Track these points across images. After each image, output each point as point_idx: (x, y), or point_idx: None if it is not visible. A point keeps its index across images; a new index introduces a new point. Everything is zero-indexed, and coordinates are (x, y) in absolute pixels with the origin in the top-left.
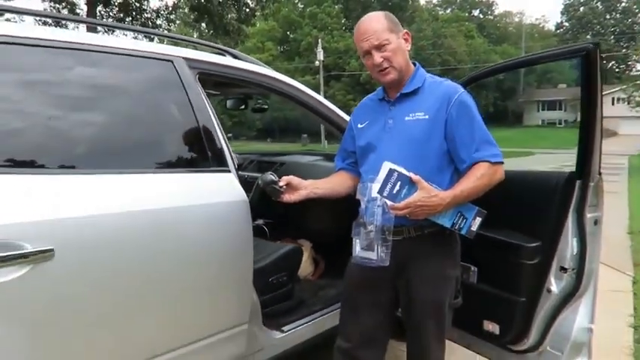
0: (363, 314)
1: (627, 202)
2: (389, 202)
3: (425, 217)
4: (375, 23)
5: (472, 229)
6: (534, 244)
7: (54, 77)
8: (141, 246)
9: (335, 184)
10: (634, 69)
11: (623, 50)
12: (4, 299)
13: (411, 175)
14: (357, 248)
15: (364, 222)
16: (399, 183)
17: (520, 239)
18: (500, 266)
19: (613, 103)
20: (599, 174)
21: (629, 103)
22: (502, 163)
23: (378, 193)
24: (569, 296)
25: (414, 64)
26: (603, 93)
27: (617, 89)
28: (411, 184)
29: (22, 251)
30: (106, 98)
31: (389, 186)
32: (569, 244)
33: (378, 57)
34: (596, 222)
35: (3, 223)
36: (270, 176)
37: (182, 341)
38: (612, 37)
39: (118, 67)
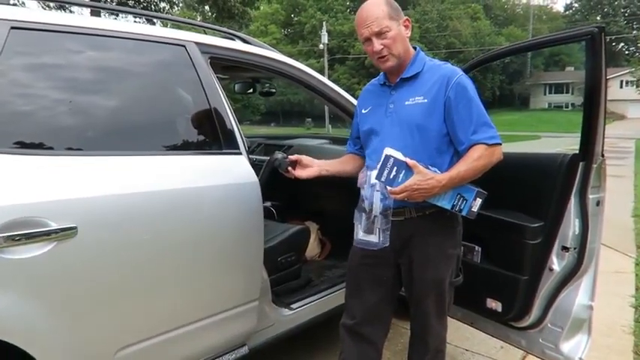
0: (367, 292)
1: (633, 186)
2: (387, 187)
3: (423, 200)
4: (376, 10)
5: (473, 209)
6: (537, 224)
7: (76, 63)
8: (159, 225)
9: (345, 164)
10: None
11: (634, 32)
12: (30, 275)
13: (407, 160)
14: (359, 232)
15: (365, 207)
16: (395, 168)
17: (523, 220)
18: (503, 246)
19: (621, 86)
20: (602, 156)
21: (637, 87)
22: (500, 144)
23: (376, 178)
24: (571, 275)
25: (415, 48)
26: (612, 76)
27: (625, 72)
28: (408, 169)
29: (47, 228)
30: (124, 83)
31: (386, 171)
32: (571, 224)
33: (377, 44)
34: (598, 203)
35: (29, 202)
36: (279, 154)
37: (198, 315)
38: (623, 18)
39: (134, 52)
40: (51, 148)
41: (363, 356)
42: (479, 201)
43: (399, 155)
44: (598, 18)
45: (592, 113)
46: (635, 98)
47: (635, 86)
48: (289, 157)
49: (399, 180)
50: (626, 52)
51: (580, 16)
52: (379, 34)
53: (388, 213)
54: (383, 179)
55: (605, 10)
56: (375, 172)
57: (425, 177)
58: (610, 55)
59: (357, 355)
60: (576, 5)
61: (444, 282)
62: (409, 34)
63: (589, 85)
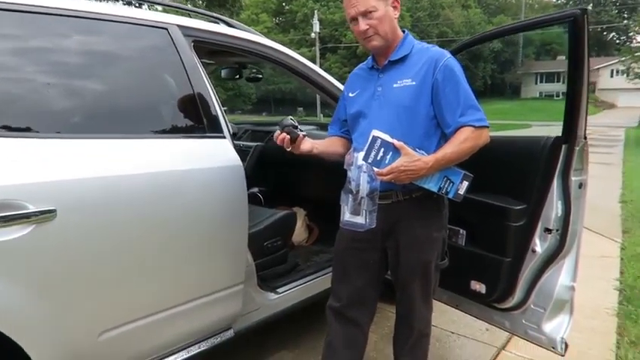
0: (353, 275)
1: (621, 174)
2: (374, 169)
3: (410, 182)
4: None
5: (459, 192)
6: (520, 207)
7: (56, 46)
8: (140, 208)
9: (330, 145)
10: (635, 41)
11: (625, 21)
12: (8, 258)
13: (394, 141)
14: (346, 214)
15: (351, 189)
16: (382, 150)
17: (507, 202)
18: (487, 229)
19: (612, 76)
20: (585, 138)
21: (627, 75)
22: (487, 127)
23: (363, 160)
24: (553, 256)
25: (403, 31)
26: (602, 65)
27: (616, 61)
28: (395, 151)
29: (25, 211)
30: (105, 66)
31: (373, 153)
32: (554, 207)
33: (363, 24)
34: (580, 185)
35: (6, 184)
36: (290, 120)
37: (181, 299)
38: (614, 7)
39: (115, 35)
40: (30, 131)
41: (350, 338)
42: (465, 184)
43: (387, 137)
44: (589, 7)
45: (575, 96)
46: (625, 87)
47: (625, 75)
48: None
49: (386, 161)
50: (617, 42)
51: (571, 5)
52: (365, 14)
53: (375, 195)
54: (370, 161)
55: None
56: (362, 154)
57: (412, 158)
58: (601, 45)
59: (344, 337)
60: None
61: (430, 265)
62: (397, 15)
63: (572, 69)
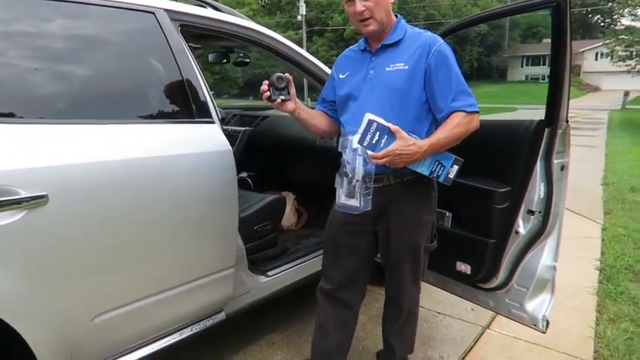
0: (344, 258)
1: (604, 156)
2: (369, 152)
3: (404, 166)
4: None
5: (450, 176)
6: (504, 190)
7: (43, 30)
8: (131, 193)
9: (315, 117)
10: (619, 23)
11: (609, 4)
12: (1, 243)
13: (390, 125)
14: (342, 197)
15: (346, 172)
16: (377, 133)
17: (491, 185)
18: (472, 211)
19: (596, 59)
20: (567, 122)
21: (611, 58)
22: (478, 112)
23: (358, 143)
24: (536, 237)
25: (396, 16)
26: (587, 48)
27: (600, 44)
28: (390, 134)
29: (16, 197)
30: (93, 50)
31: (369, 136)
32: (536, 189)
33: (360, 5)
34: (562, 168)
35: None
36: (278, 74)
37: (174, 282)
38: None
39: (102, 19)
40: (19, 117)
41: (340, 319)
42: (455, 167)
43: (382, 120)
44: None
45: (557, 81)
46: (609, 70)
47: (609, 58)
48: (286, 75)
49: (381, 145)
50: (602, 24)
51: None
52: None
53: (370, 178)
54: (365, 144)
55: None
56: (357, 137)
57: (407, 143)
58: (586, 27)
59: (335, 319)
60: None
61: (419, 247)
62: (393, 0)
63: (554, 54)
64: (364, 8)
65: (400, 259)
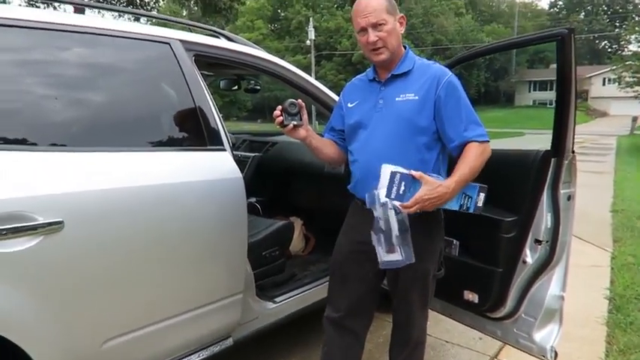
0: (351, 286)
1: (612, 182)
2: (397, 203)
3: (436, 208)
4: (375, 2)
5: (478, 205)
6: (511, 219)
7: (61, 60)
8: (143, 219)
9: (326, 145)
10: (626, 49)
11: (616, 30)
12: (17, 268)
13: (412, 172)
14: (382, 253)
15: (381, 227)
16: (403, 183)
17: (498, 214)
18: (480, 240)
19: (604, 84)
20: (573, 152)
21: (619, 84)
22: (488, 141)
23: (386, 197)
24: (543, 267)
25: (405, 47)
26: (594, 73)
27: (607, 70)
28: (415, 181)
29: (34, 223)
30: (109, 80)
31: (394, 188)
32: (543, 218)
33: (373, 35)
34: (569, 197)
35: (16, 196)
36: (291, 100)
37: (183, 308)
38: (606, 17)
39: (120, 50)
40: (37, 144)
41: (347, 348)
42: (482, 195)
43: (403, 169)
44: (581, 16)
45: (563, 111)
46: (617, 95)
47: (617, 84)
48: (299, 101)
49: (409, 194)
50: (609, 50)
51: (564, 14)
52: (375, 26)
53: (405, 228)
54: (393, 196)
55: (587, 8)
56: (383, 191)
57: (433, 186)
58: (593, 53)
59: (341, 347)
60: (560, 3)
61: (428, 275)
62: (403, 31)
63: (560, 84)
64: (377, 38)
65: (408, 286)
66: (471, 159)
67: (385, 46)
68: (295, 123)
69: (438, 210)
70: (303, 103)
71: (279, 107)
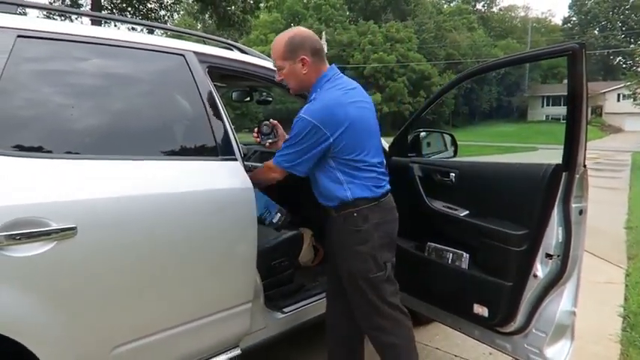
0: (338, 291)
1: (627, 199)
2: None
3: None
4: (276, 48)
5: (273, 221)
6: (522, 232)
7: (79, 70)
8: (155, 227)
9: None
10: None
11: (631, 46)
12: (30, 273)
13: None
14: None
15: None
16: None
17: (509, 227)
18: (490, 253)
19: (619, 100)
20: (584, 166)
21: (634, 100)
22: (280, 165)
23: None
24: (554, 281)
25: (325, 71)
26: (609, 89)
27: (622, 85)
28: None
29: (47, 228)
30: (124, 90)
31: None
32: (554, 232)
33: (277, 76)
34: (580, 212)
35: (30, 202)
36: (265, 122)
37: (192, 315)
38: (621, 32)
39: (135, 61)
40: (52, 152)
41: (347, 349)
42: (278, 215)
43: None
44: (596, 32)
45: (574, 125)
46: (632, 111)
47: (632, 99)
48: (271, 121)
49: None
50: (624, 66)
51: (578, 30)
52: (277, 68)
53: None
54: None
55: (603, 23)
56: None
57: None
58: (608, 69)
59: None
60: (574, 19)
61: (356, 276)
62: (306, 71)
63: (571, 99)
64: (281, 77)
65: (345, 285)
66: (261, 170)
67: (288, 83)
68: (270, 141)
69: (359, 216)
70: (276, 122)
71: (256, 129)
